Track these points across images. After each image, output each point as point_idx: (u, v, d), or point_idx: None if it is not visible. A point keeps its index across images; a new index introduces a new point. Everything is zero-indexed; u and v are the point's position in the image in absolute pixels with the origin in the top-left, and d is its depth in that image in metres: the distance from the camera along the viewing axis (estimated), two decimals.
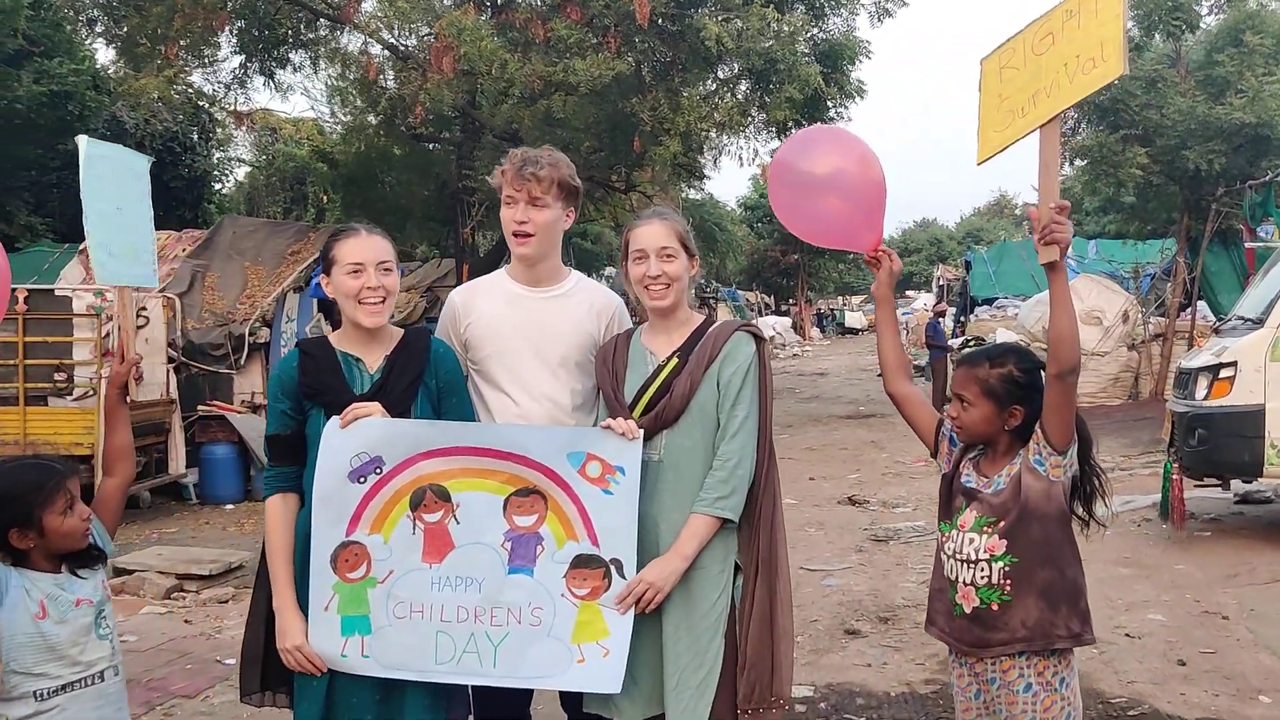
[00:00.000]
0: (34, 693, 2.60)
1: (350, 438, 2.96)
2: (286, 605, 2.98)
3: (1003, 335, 18.94)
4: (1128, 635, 5.82)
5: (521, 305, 3.35)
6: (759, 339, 3.20)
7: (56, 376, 10.92)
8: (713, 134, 15.25)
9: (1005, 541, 2.76)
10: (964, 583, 2.82)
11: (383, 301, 3.05)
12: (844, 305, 69.26)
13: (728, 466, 3.03)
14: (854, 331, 55.86)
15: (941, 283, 39.03)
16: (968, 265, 30.16)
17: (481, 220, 15.44)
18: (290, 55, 16.78)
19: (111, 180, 2.99)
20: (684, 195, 28.81)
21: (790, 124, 14.77)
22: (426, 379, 3.12)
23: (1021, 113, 2.74)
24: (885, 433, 15.66)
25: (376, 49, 15.52)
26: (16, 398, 10.62)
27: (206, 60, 16.41)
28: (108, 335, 10.83)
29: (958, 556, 2.84)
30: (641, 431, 3.02)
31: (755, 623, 3.00)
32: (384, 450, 2.98)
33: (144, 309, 11.83)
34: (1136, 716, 4.71)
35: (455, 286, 4.29)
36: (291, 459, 3.07)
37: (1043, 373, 2.82)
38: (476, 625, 2.98)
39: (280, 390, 3.09)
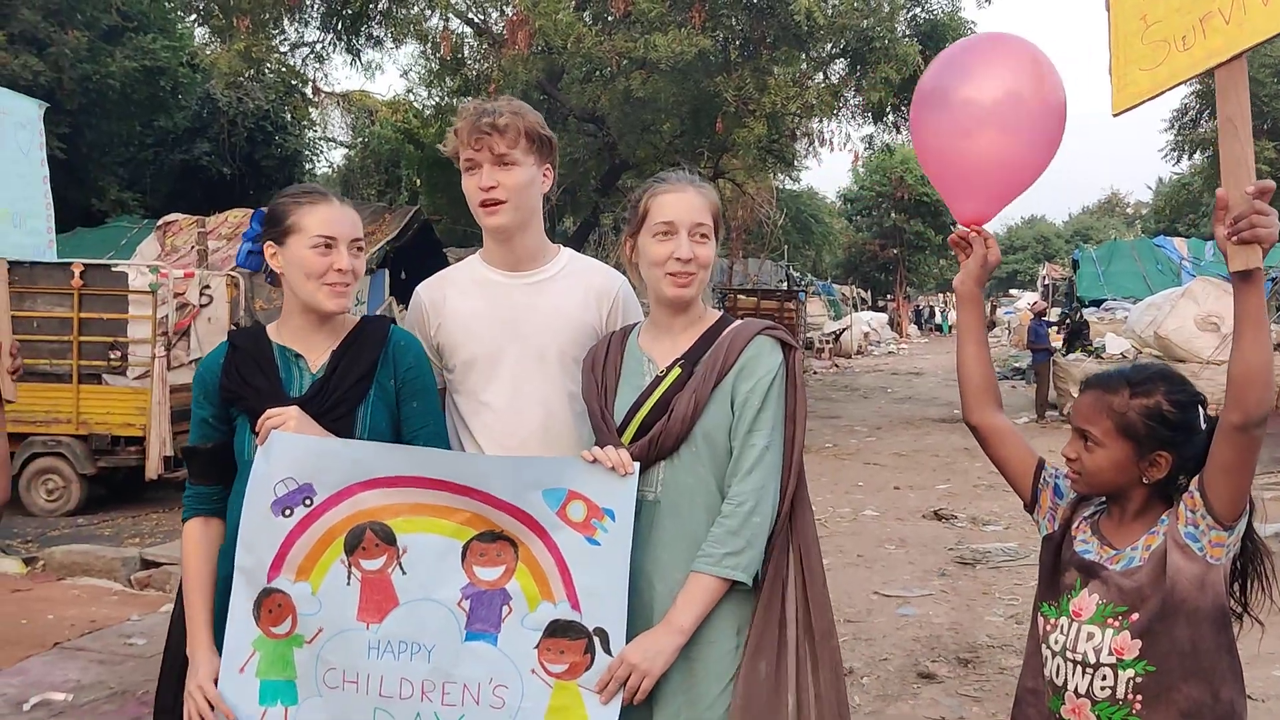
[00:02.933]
0: None
1: (274, 460, 2.34)
2: (201, 644, 2.43)
3: (1112, 342, 17.76)
4: (1250, 698, 4.95)
5: (501, 295, 2.70)
6: (788, 347, 2.47)
7: (111, 354, 10.60)
8: (801, 117, 14.38)
9: (1140, 642, 1.99)
10: (1076, 692, 2.05)
11: (348, 286, 2.49)
12: (945, 302, 67.51)
13: (740, 512, 2.31)
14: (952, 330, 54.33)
15: (1047, 282, 37.53)
16: (1075, 264, 28.80)
17: (559, 204, 14.88)
18: (372, 30, 16.39)
19: None
20: (780, 185, 27.98)
21: (888, 108, 13.88)
22: (381, 377, 2.51)
23: (1182, 43, 1.92)
24: (975, 441, 14.68)
25: (456, 24, 15.01)
26: (70, 376, 10.34)
27: (275, 34, 16.06)
28: (164, 316, 10.51)
29: (1069, 655, 2.07)
30: (637, 465, 2.32)
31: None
32: (314, 477, 2.35)
33: (208, 287, 11.48)
34: None
35: None
36: (214, 477, 2.52)
37: (1202, 409, 2.06)
38: (423, 704, 2.32)
39: (201, 393, 2.53)
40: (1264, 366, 1.87)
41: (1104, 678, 2.02)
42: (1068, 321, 18.99)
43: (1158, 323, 15.89)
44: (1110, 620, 2.03)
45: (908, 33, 13.96)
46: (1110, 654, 2.01)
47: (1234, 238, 1.84)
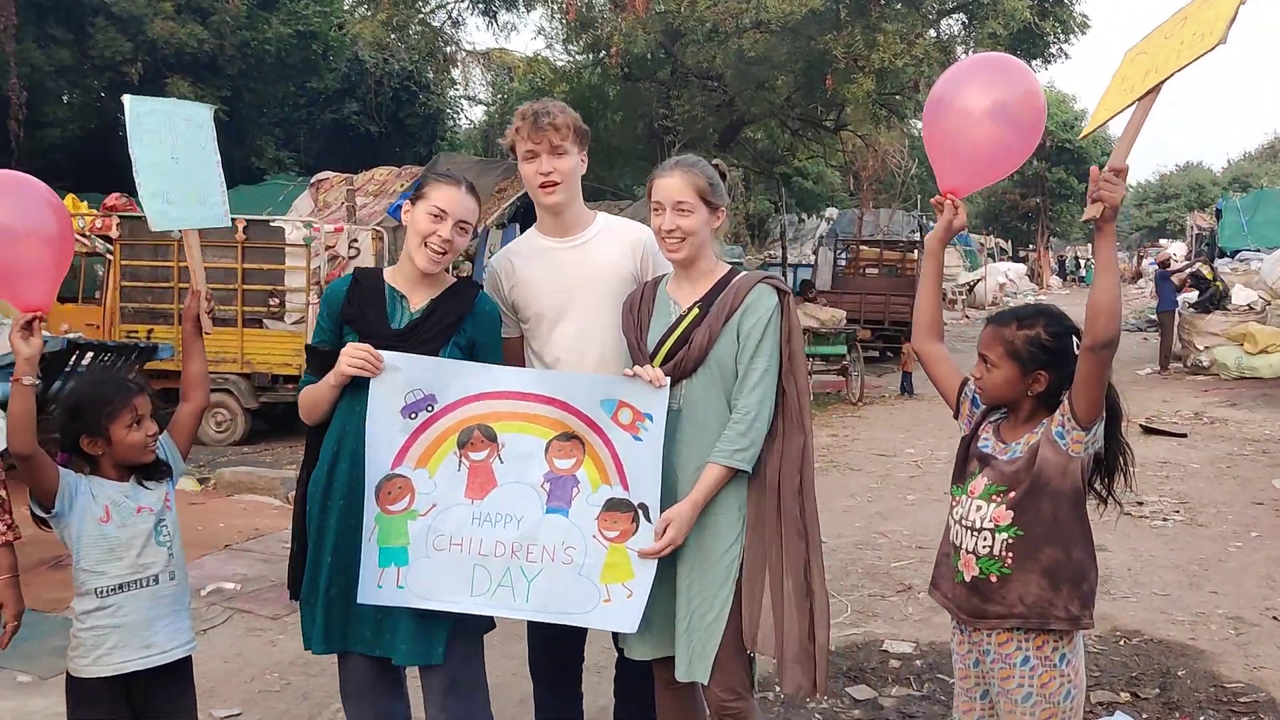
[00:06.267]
0: (95, 589, 2.86)
1: (406, 374, 3.06)
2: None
3: (1239, 294, 17.49)
4: (1276, 619, 5.39)
5: (554, 258, 3.39)
6: (782, 292, 3.14)
7: (270, 301, 11.78)
8: (912, 73, 14.61)
9: (1012, 513, 2.61)
10: (966, 550, 2.69)
11: (444, 254, 3.11)
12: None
13: (746, 419, 3.01)
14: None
15: (1195, 231, 36.26)
16: (1218, 213, 27.85)
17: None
18: None
19: (164, 132, 3.15)
20: (914, 134, 27.85)
21: None
22: (462, 329, 3.17)
23: (1131, 90, 2.61)
24: None
25: None
26: (235, 320, 11.56)
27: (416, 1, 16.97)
28: (318, 268, 11.60)
29: (964, 523, 2.71)
30: (668, 379, 3.03)
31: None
32: (438, 389, 3.08)
33: (355, 241, 12.52)
34: (1248, 704, 4.38)
35: None
36: (321, 373, 3.14)
37: (1075, 339, 2.65)
38: (513, 560, 3.06)
39: (327, 309, 3.21)
40: (1109, 300, 2.46)
41: (985, 539, 2.65)
42: (1189, 275, 18.65)
43: None
44: (994, 497, 2.65)
45: None
46: (990, 521, 2.64)
47: (1090, 197, 2.46)
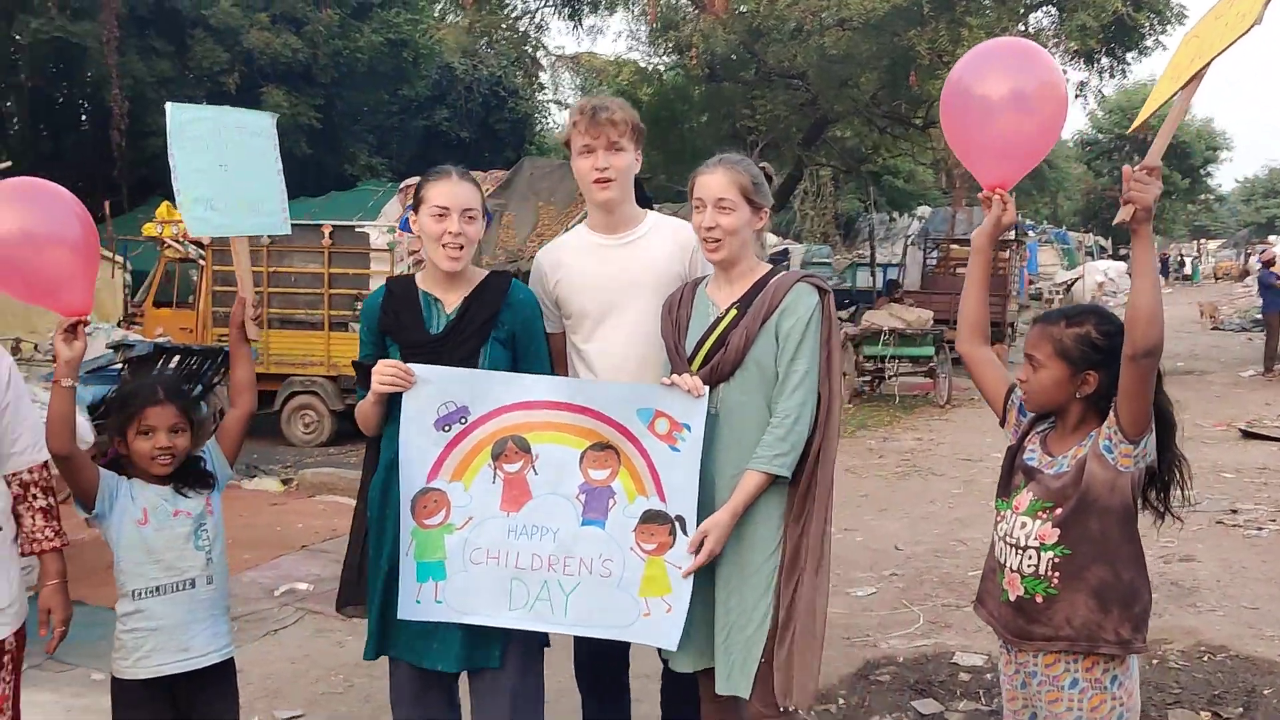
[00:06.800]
0: (133, 591, 2.91)
1: (439, 386, 3.04)
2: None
3: None
4: None
5: (604, 255, 3.34)
6: (823, 291, 3.05)
7: (356, 305, 11.99)
8: None
9: (1058, 531, 2.50)
10: (1010, 568, 2.58)
11: (461, 249, 3.07)
12: (1198, 250, 63.16)
13: (786, 423, 2.93)
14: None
15: None
16: None
17: (762, 159, 15.34)
18: None
19: (209, 139, 3.15)
20: None
21: (1096, 54, 13.57)
22: (501, 321, 3.13)
23: (1178, 78, 2.48)
24: (1195, 392, 14.28)
25: None
26: (322, 324, 11.80)
27: (502, 7, 17.13)
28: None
29: (1008, 539, 2.60)
30: (706, 389, 2.97)
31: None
32: (471, 400, 3.05)
33: None
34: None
35: None
36: (369, 386, 3.12)
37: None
38: (550, 574, 3.03)
39: (366, 322, 3.21)
40: (1150, 306, 2.33)
41: (1030, 558, 2.54)
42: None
43: None
44: (1039, 513, 2.54)
45: None
46: (1035, 539, 2.53)
47: (1122, 198, 2.34)
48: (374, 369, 3.02)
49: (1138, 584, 2.51)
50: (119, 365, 8.84)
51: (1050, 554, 2.51)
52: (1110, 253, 49.55)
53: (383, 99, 26.97)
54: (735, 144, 17.33)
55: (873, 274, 24.08)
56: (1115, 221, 2.38)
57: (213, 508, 3.04)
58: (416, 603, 3.03)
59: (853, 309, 18.68)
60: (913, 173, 32.20)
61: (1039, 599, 2.53)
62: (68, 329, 2.77)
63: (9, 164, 13.07)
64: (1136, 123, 2.85)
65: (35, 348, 10.32)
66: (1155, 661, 4.89)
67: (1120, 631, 2.48)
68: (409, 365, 3.01)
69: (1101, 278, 36.89)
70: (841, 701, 4.56)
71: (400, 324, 3.14)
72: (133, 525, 2.91)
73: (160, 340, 9.21)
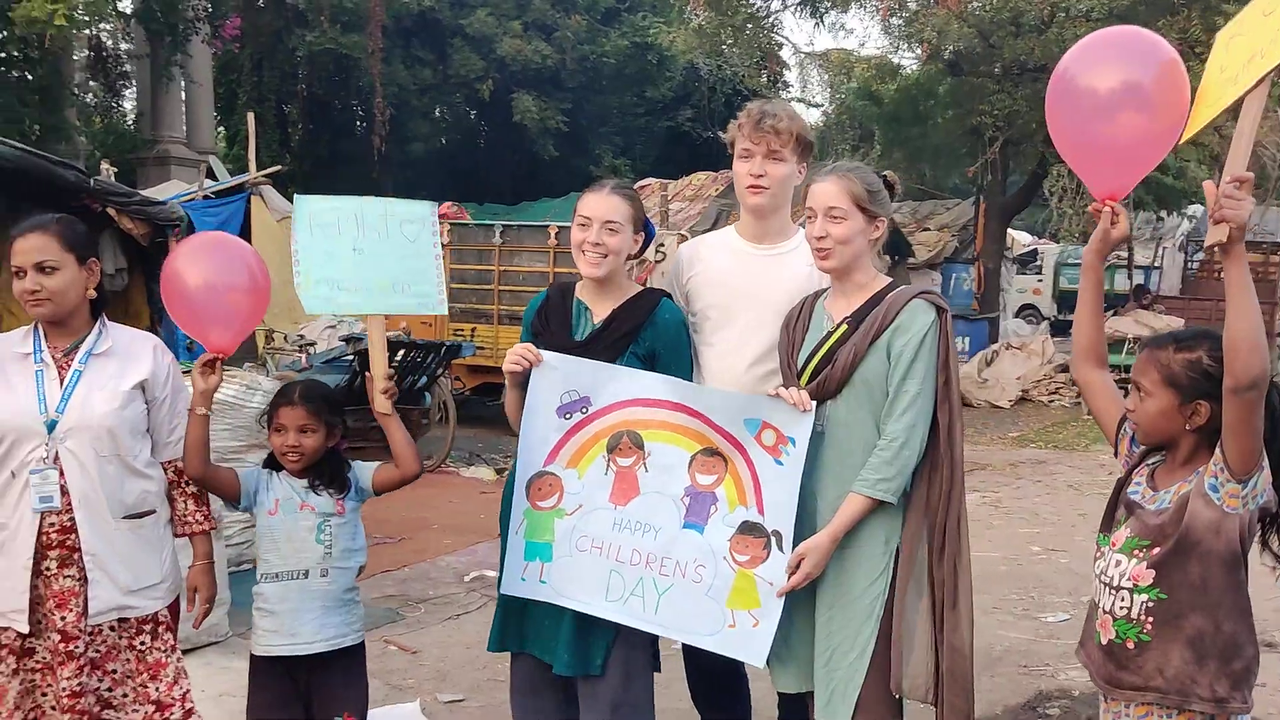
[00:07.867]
0: (261, 575, 3.16)
1: (564, 373, 3.13)
2: None
3: None
4: None
5: (744, 261, 3.33)
6: (940, 309, 2.94)
7: None
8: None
9: (1153, 572, 2.32)
10: (1104, 609, 2.42)
11: (604, 257, 3.13)
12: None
13: (893, 446, 2.85)
14: None
15: None
16: None
17: (993, 159, 14.70)
18: None
19: (343, 226, 3.19)
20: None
21: None
22: (642, 337, 3.17)
23: (1235, 80, 2.27)
24: None
25: None
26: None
27: (736, 7, 17.14)
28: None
29: (1103, 578, 2.43)
30: (814, 404, 2.92)
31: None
32: (592, 391, 3.13)
33: (661, 245, 12.93)
34: None
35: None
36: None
37: None
38: (646, 571, 3.07)
39: (525, 322, 3.36)
40: (1249, 334, 2.13)
41: (1123, 600, 2.37)
42: None
43: None
44: (1135, 551, 2.36)
45: None
46: (1129, 580, 2.36)
47: (1211, 218, 2.15)
48: (508, 351, 3.14)
49: (1241, 638, 2.30)
50: (350, 356, 9.51)
51: (1144, 597, 2.35)
52: None
53: (628, 101, 27.55)
54: (973, 140, 16.68)
55: (1130, 276, 22.63)
56: (1206, 244, 2.18)
57: (345, 509, 3.20)
58: (521, 580, 3.14)
59: (1109, 313, 17.64)
60: (1183, 169, 29.88)
61: (1130, 644, 2.37)
62: (206, 363, 3.00)
63: (279, 168, 14.32)
64: (1189, 133, 2.47)
65: (285, 338, 11.24)
66: None
67: (1216, 688, 2.28)
68: (538, 350, 3.12)
69: None
70: None
71: (548, 327, 3.25)
72: (265, 515, 3.15)
73: (392, 335, 9.83)
